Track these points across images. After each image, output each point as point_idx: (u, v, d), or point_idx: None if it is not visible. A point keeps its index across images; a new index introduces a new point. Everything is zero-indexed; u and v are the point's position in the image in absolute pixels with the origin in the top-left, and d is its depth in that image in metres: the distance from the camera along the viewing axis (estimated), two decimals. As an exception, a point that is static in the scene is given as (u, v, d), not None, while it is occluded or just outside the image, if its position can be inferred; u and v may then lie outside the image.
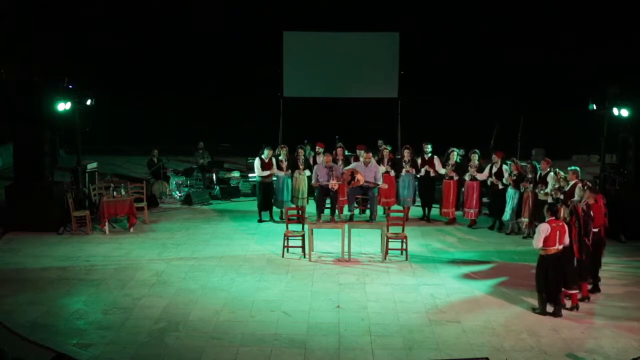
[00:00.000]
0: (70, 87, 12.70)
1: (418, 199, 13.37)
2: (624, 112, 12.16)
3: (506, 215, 12.37)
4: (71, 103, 12.60)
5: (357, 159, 12.80)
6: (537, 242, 8.28)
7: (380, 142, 15.42)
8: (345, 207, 12.22)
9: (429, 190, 13.23)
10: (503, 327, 8.07)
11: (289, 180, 12.94)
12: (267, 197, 12.92)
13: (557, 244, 8.27)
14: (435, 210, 13.40)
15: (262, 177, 12.77)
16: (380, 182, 11.23)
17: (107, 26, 18.96)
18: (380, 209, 12.28)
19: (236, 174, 16.03)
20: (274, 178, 13.13)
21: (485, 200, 13.28)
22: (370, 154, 11.48)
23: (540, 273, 8.43)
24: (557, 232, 8.25)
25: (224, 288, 9.36)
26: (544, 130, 18.57)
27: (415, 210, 13.49)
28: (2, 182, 14.14)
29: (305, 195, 12.90)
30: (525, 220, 11.99)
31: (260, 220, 12.96)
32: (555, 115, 18.48)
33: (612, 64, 16.17)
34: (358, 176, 10.76)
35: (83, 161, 13.63)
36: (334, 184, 11.07)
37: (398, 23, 18.84)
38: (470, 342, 7.64)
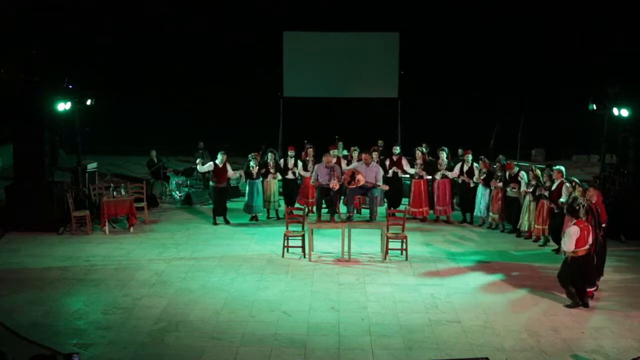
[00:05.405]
0: (70, 87, 12.71)
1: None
2: (624, 112, 12.18)
3: (477, 212, 12.81)
4: (71, 103, 12.61)
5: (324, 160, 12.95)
6: (569, 245, 8.48)
7: (380, 142, 15.43)
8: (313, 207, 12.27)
9: (396, 191, 13.32)
10: (503, 327, 8.07)
11: (260, 185, 13.09)
12: (220, 201, 13.07)
13: (586, 243, 8.52)
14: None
15: (215, 183, 12.94)
16: (380, 183, 11.22)
17: (108, 26, 18.97)
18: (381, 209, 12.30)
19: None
20: (234, 182, 13.51)
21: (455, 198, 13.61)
22: (369, 155, 11.50)
23: (570, 274, 8.62)
24: (585, 232, 8.50)
25: (224, 288, 9.36)
26: (544, 130, 18.59)
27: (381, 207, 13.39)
28: (2, 182, 14.14)
29: (277, 198, 13.26)
30: (495, 216, 12.41)
31: (215, 223, 13.01)
32: (555, 115, 18.50)
33: (612, 64, 16.18)
34: (358, 176, 10.76)
35: (83, 161, 13.63)
36: (334, 184, 11.08)
37: (398, 23, 18.84)
38: (470, 342, 7.64)
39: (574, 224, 8.52)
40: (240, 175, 13.39)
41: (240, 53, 19.38)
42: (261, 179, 13.12)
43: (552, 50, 18.47)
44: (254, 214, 13.23)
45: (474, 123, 17.45)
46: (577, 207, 8.64)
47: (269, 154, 13.31)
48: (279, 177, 13.26)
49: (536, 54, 18.58)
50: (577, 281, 8.61)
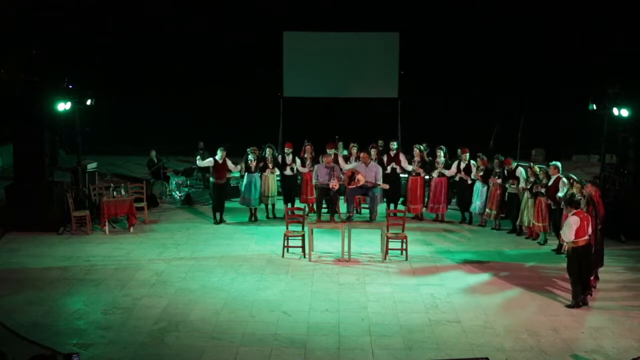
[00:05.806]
0: (70, 87, 12.71)
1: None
2: (624, 112, 12.18)
3: (474, 208, 12.81)
4: (71, 103, 12.61)
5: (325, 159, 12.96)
6: (569, 234, 8.52)
7: (380, 142, 15.43)
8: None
9: (394, 187, 13.30)
10: (503, 327, 8.07)
11: (258, 179, 13.14)
12: (219, 198, 13.07)
13: (586, 234, 8.56)
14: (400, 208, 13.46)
15: (215, 179, 12.97)
16: (380, 182, 11.23)
17: (108, 26, 18.98)
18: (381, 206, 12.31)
19: (236, 174, 16.05)
20: (234, 182, 13.69)
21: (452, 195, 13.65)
22: (367, 154, 11.51)
23: (574, 264, 8.63)
24: (585, 222, 8.54)
25: (224, 288, 9.36)
26: (544, 130, 18.58)
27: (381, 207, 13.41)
28: (2, 182, 14.14)
29: (275, 193, 13.32)
30: (492, 212, 12.43)
31: (216, 222, 13.03)
32: (555, 115, 18.49)
33: (612, 64, 16.19)
34: (358, 176, 10.76)
35: (83, 161, 13.63)
36: (334, 184, 11.08)
37: (398, 23, 18.84)
38: (470, 342, 7.64)
39: (574, 214, 8.55)
40: (242, 168, 13.39)
41: (240, 53, 19.38)
42: (259, 172, 13.15)
43: (552, 50, 18.45)
44: (249, 207, 13.21)
45: (474, 123, 17.43)
46: (578, 198, 8.71)
47: (267, 149, 13.33)
48: (277, 172, 13.28)
49: (536, 54, 18.57)
50: (584, 272, 8.64)
